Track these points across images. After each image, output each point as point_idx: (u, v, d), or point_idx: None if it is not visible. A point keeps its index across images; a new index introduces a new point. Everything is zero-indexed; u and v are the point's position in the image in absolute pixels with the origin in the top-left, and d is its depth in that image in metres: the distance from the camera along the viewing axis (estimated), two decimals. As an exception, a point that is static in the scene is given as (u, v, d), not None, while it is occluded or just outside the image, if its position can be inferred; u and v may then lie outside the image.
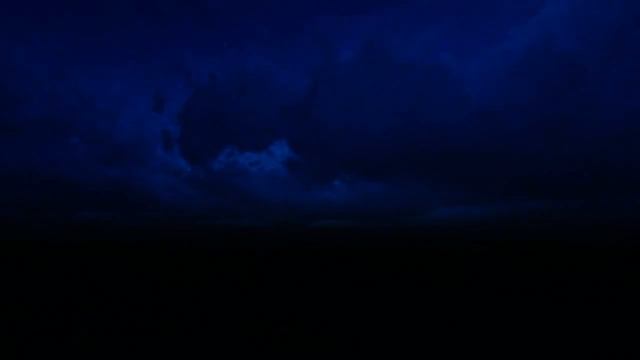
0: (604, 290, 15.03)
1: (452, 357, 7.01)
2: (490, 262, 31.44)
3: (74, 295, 13.84)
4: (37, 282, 17.93)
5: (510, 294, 13.98)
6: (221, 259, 38.50)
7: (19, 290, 15.02)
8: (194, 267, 27.49)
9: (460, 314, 10.51)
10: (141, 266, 28.95)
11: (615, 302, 12.16)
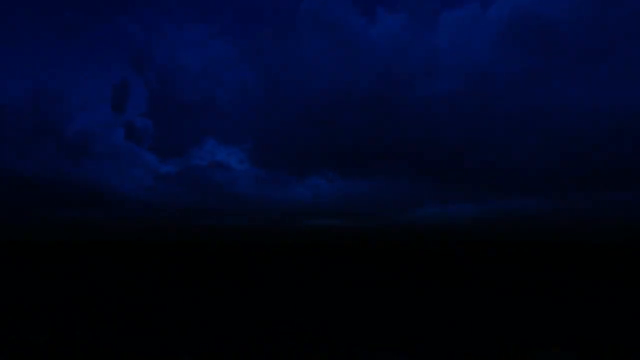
0: (600, 288, 14.94)
1: (451, 356, 6.83)
2: (484, 262, 31.38)
3: (67, 294, 13.30)
4: (27, 282, 17.19)
5: (507, 294, 13.83)
6: (216, 259, 37.98)
7: (11, 291, 14.55)
8: (189, 267, 26.97)
9: (458, 314, 10.32)
10: (132, 266, 28.26)
11: (611, 300, 12.05)
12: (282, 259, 37.43)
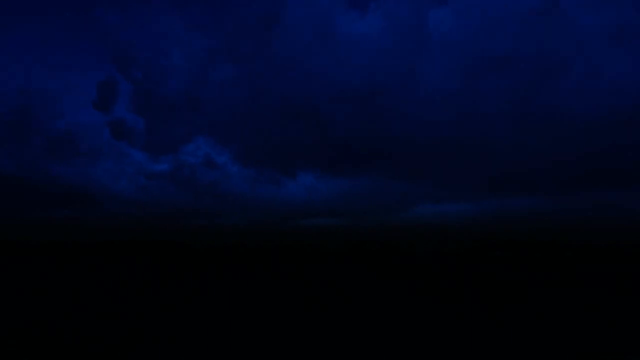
0: (598, 288, 14.48)
1: (449, 356, 6.64)
2: (483, 262, 30.91)
3: (59, 295, 13.08)
4: (19, 282, 17.05)
5: (506, 294, 13.67)
6: (209, 258, 37.92)
7: (10, 292, 14.16)
8: (182, 267, 27.10)
9: (457, 315, 10.45)
10: (125, 266, 28.20)
11: (610, 302, 11.55)
12: (277, 258, 37.67)
